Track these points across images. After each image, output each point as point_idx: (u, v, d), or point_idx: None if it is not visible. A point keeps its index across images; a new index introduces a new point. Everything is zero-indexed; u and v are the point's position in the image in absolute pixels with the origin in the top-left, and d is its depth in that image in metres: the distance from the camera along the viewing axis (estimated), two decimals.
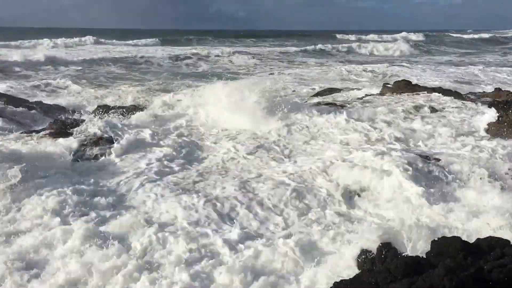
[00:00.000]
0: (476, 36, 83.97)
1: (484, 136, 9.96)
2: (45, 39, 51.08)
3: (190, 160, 8.41)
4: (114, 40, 59.09)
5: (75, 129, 9.39)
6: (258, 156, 8.58)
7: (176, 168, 7.91)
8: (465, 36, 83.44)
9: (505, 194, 6.33)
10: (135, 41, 59.31)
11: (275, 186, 7.06)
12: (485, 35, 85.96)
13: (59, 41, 51.61)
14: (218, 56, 39.06)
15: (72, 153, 8.14)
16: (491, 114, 11.05)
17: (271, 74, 28.11)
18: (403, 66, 30.16)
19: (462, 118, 11.30)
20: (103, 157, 8.31)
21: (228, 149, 8.86)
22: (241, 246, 5.39)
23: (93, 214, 6.08)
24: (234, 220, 6.07)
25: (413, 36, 77.41)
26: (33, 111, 12.27)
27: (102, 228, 5.69)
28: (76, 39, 54.16)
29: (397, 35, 75.56)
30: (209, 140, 9.50)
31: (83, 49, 45.09)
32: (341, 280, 4.03)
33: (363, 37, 74.95)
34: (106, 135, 9.05)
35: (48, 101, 14.77)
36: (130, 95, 17.68)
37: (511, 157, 8.22)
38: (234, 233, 5.66)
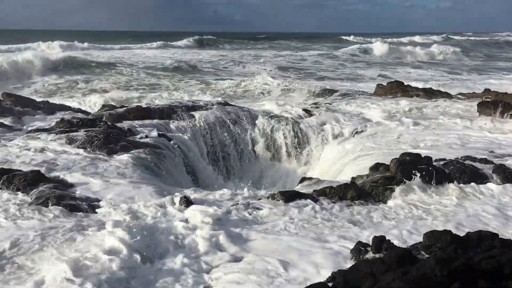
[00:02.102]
0: (486, 38, 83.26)
1: None
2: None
3: None
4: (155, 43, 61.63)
5: None
6: None
7: None
8: (472, 39, 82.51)
9: None
10: (175, 43, 63.47)
11: None
12: (485, 38, 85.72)
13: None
14: None
15: None
16: None
17: None
18: None
19: None
20: None
21: None
22: None
23: None
24: None
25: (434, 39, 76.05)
26: (40, 110, 12.38)
27: None
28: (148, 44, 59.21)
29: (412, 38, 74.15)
30: None
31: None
32: (339, 270, 4.28)
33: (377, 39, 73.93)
34: None
35: None
36: None
37: None
38: None
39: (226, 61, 38.33)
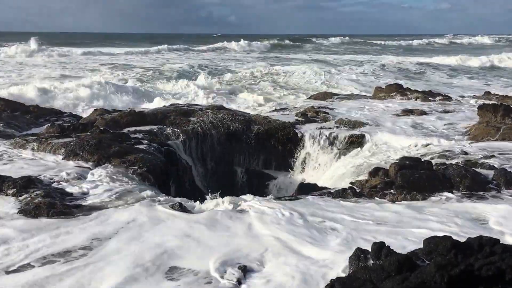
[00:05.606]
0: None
1: None
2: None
3: None
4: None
5: None
6: None
7: None
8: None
9: None
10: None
11: None
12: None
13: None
14: None
15: None
16: None
17: None
18: None
19: None
20: None
21: None
22: None
23: None
24: None
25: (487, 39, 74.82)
26: (30, 115, 12.17)
27: None
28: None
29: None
30: None
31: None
32: (337, 278, 4.14)
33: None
34: None
35: None
36: None
37: None
38: None
39: None
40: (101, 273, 4.70)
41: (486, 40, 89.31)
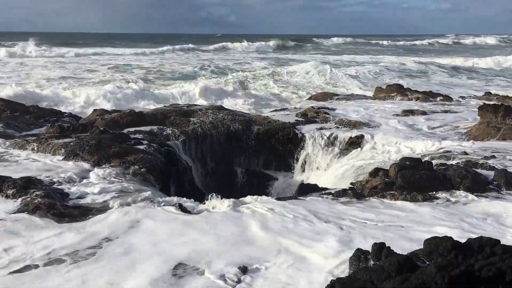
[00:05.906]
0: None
1: None
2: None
3: None
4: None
5: None
6: None
7: None
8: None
9: None
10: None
11: None
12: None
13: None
14: None
15: None
16: None
17: None
18: None
19: None
20: None
21: None
22: None
23: None
24: None
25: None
26: (30, 115, 12.12)
27: None
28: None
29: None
30: None
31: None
32: (338, 278, 4.12)
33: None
34: None
35: None
36: None
37: None
38: None
39: None
40: (102, 274, 4.70)
41: (490, 40, 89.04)
